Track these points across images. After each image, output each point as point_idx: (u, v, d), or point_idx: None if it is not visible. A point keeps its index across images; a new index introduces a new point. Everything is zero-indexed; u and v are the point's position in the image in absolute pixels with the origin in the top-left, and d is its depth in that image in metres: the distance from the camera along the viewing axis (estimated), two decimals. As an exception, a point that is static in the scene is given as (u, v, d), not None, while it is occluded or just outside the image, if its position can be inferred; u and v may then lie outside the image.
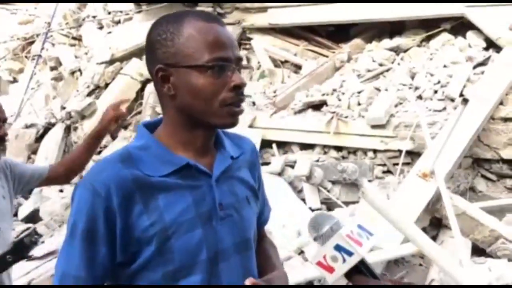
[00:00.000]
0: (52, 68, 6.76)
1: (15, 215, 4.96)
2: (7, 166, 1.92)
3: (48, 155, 5.75)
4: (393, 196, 3.49)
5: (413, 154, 3.98)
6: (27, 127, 6.05)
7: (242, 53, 5.96)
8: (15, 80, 7.21)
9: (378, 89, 4.49)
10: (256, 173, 1.25)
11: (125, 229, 0.99)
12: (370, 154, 4.22)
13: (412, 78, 4.49)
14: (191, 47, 1.02)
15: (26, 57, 7.10)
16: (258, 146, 4.59)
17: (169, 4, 5.99)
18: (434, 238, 3.29)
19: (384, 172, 4.15)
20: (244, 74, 5.62)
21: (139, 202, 1.00)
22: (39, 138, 6.05)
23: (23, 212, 4.90)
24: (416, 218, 3.18)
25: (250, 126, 4.77)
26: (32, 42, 7.20)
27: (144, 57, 1.17)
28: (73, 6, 7.26)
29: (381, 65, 4.86)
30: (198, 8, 6.05)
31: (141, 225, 1.00)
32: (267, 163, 4.46)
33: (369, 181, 3.93)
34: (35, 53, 6.94)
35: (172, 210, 1.02)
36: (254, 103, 5.05)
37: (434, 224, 3.45)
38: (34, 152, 5.98)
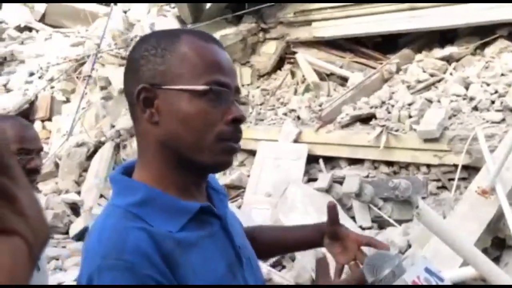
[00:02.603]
0: (102, 88, 6.95)
1: (66, 232, 5.07)
2: None
3: (98, 173, 5.87)
4: (450, 214, 3.28)
5: (470, 169, 3.75)
6: (78, 145, 6.21)
7: (287, 67, 5.90)
8: (67, 100, 7.46)
9: (429, 101, 4.28)
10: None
11: None
12: (423, 169, 4.02)
13: (467, 88, 4.26)
14: (185, 67, 0.84)
15: (77, 77, 7.34)
16: (304, 162, 4.49)
17: (213, 22, 6.03)
18: (497, 260, 3.06)
19: (438, 187, 3.94)
20: (289, 87, 5.55)
21: (175, 266, 0.79)
22: (89, 156, 6.20)
23: (74, 230, 5.01)
24: (477, 238, 2.96)
25: (295, 141, 4.68)
26: (83, 63, 7.45)
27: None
28: (122, 27, 7.46)
29: (432, 75, 4.65)
30: (242, 24, 6.06)
31: None
32: (314, 179, 4.34)
33: (423, 198, 3.73)
34: (85, 74, 7.16)
35: (206, 270, 0.83)
36: (299, 118, 4.96)
37: (497, 244, 3.21)
38: (85, 170, 6.13)
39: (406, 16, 4.93)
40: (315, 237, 1.12)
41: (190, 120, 0.83)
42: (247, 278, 0.91)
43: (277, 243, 1.18)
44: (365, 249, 1.05)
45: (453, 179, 3.76)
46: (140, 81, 0.85)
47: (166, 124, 0.84)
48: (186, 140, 0.84)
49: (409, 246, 3.35)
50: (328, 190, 4.06)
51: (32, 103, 7.44)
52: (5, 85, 8.09)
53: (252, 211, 4.15)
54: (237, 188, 4.67)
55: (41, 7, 9.68)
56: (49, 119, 7.32)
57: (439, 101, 4.23)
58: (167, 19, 6.84)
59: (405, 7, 4.91)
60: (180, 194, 0.86)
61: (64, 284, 3.75)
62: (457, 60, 4.78)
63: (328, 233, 1.08)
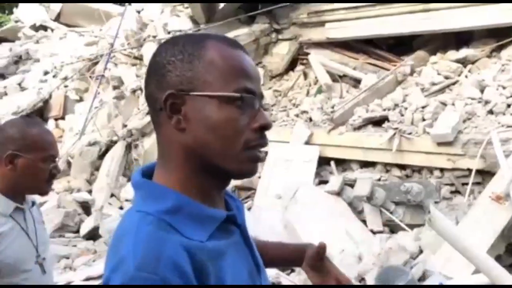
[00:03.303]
0: (115, 87, 6.98)
1: (77, 231, 5.09)
2: (37, 205, 1.86)
3: (110, 172, 5.89)
4: (463, 219, 3.23)
5: (484, 174, 3.69)
6: (90, 144, 6.24)
7: (299, 68, 5.86)
8: (81, 99, 7.50)
9: (444, 104, 4.22)
10: None
11: None
12: (437, 173, 3.96)
13: (482, 91, 4.19)
14: (213, 73, 0.83)
15: (90, 77, 7.38)
16: (315, 164, 4.45)
17: (226, 22, 6.01)
18: (510, 267, 2.99)
19: (452, 192, 3.88)
20: (302, 89, 5.52)
21: (207, 277, 0.79)
22: (101, 155, 6.22)
23: (84, 229, 5.02)
24: (490, 245, 2.91)
25: (307, 143, 4.64)
26: (97, 63, 7.49)
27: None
28: (135, 26, 7.49)
29: (447, 78, 4.58)
30: (256, 25, 6.04)
31: None
32: (325, 182, 4.31)
33: (436, 202, 3.68)
34: (98, 73, 7.20)
35: (234, 280, 0.83)
36: (311, 119, 4.92)
37: (511, 251, 3.15)
38: (97, 168, 6.15)
39: (420, 18, 4.87)
40: (294, 259, 1.19)
41: (219, 127, 0.82)
42: (262, 284, 0.93)
43: None
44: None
45: (466, 184, 3.70)
46: (167, 87, 0.84)
47: (193, 131, 0.83)
48: (214, 148, 0.83)
49: (421, 251, 3.30)
50: (339, 193, 4.02)
51: (46, 102, 7.50)
52: (20, 84, 8.17)
53: (262, 213, 4.13)
54: (247, 190, 4.65)
55: (56, 6, 9.76)
56: (62, 118, 7.38)
57: (453, 104, 4.16)
58: (180, 19, 6.84)
59: (419, 9, 4.85)
60: (203, 201, 0.85)
61: (73, 284, 3.76)
62: (473, 63, 4.70)
63: (310, 261, 1.15)
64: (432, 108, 4.15)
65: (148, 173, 0.89)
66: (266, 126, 0.86)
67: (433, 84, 4.54)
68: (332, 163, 4.55)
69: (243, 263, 0.87)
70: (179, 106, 0.83)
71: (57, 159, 1.74)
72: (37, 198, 1.90)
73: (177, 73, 0.84)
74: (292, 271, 3.58)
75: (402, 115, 4.32)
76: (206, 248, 0.80)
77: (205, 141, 0.83)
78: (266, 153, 4.61)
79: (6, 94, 8.12)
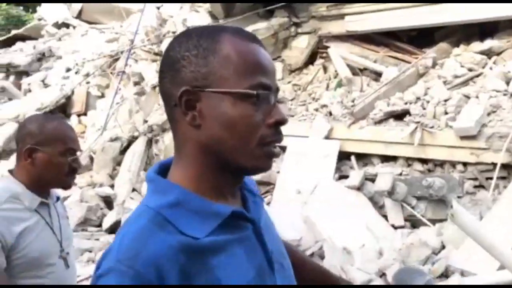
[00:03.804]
0: (135, 83, 7.04)
1: (99, 225, 5.17)
2: (61, 200, 1.89)
3: (131, 167, 5.95)
4: (487, 215, 3.16)
5: (510, 168, 3.61)
6: (112, 140, 6.31)
7: (319, 62, 5.81)
8: (102, 96, 7.60)
9: (467, 97, 4.13)
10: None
11: None
12: (460, 167, 3.88)
13: (507, 83, 4.08)
14: (228, 69, 0.82)
15: (111, 73, 7.46)
16: (335, 158, 4.41)
17: (245, 17, 5.99)
18: (537, 264, 2.91)
19: (475, 186, 3.80)
20: (321, 83, 5.47)
21: (195, 275, 0.78)
22: (123, 151, 6.30)
23: (107, 223, 5.10)
24: (515, 241, 2.83)
25: (327, 137, 4.60)
26: (117, 59, 7.56)
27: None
28: (155, 23, 7.53)
29: (470, 70, 4.48)
30: (274, 18, 6.01)
31: None
32: (345, 177, 4.27)
33: (459, 197, 3.61)
34: (119, 70, 7.27)
35: (231, 276, 0.81)
36: (330, 113, 4.87)
37: (537, 247, 3.06)
38: (119, 163, 6.23)
39: (443, 9, 4.76)
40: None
41: (234, 124, 0.82)
42: (278, 283, 0.89)
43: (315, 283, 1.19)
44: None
45: (491, 178, 3.62)
46: (181, 83, 0.83)
47: (208, 127, 0.83)
48: (229, 144, 0.83)
49: (443, 247, 3.24)
50: (359, 188, 3.98)
51: (68, 98, 7.62)
52: (43, 81, 8.32)
53: (282, 208, 4.11)
54: (267, 185, 4.63)
55: (78, 4, 9.90)
56: (85, 114, 7.48)
57: (477, 97, 4.07)
58: (199, 14, 6.85)
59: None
60: (214, 196, 0.85)
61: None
62: (498, 54, 4.58)
63: None
64: (455, 101, 4.06)
65: (166, 167, 0.90)
66: (282, 122, 0.85)
67: (456, 76, 4.44)
68: (353, 157, 4.51)
69: (251, 259, 0.85)
70: (194, 103, 0.83)
71: (78, 153, 1.75)
72: (60, 192, 1.93)
73: (191, 69, 0.83)
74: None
75: (424, 108, 4.24)
76: (200, 244, 0.79)
77: (220, 137, 0.82)
78: (283, 148, 4.58)
79: (30, 91, 8.28)
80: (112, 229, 5.04)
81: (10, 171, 1.71)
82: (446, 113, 4.05)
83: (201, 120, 0.83)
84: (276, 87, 0.87)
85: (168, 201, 0.82)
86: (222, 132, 0.82)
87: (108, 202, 5.56)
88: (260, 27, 5.78)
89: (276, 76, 0.89)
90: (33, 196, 1.67)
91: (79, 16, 9.95)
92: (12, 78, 8.86)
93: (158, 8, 8.08)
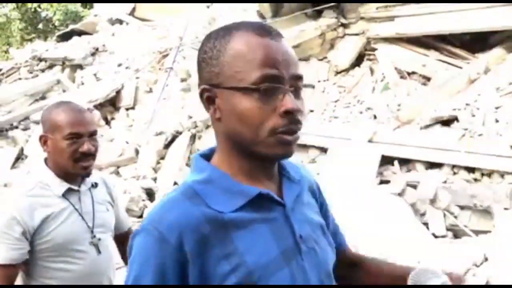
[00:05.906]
0: (182, 80, 7.17)
1: (141, 216, 5.30)
2: (108, 186, 1.89)
3: (174, 161, 6.07)
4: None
5: None
6: (157, 134, 6.46)
7: (366, 64, 5.72)
8: (150, 91, 7.78)
9: (520, 105, 3.95)
10: (319, 200, 1.12)
11: (202, 279, 0.85)
12: (509, 178, 3.71)
13: None
14: (236, 66, 0.89)
15: (160, 69, 7.63)
16: (377, 163, 4.32)
17: (293, 17, 5.98)
18: None
19: (525, 199, 3.62)
20: (367, 85, 5.38)
21: (216, 245, 0.86)
22: (167, 145, 6.43)
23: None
24: None
25: (370, 140, 4.52)
26: (166, 56, 7.73)
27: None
28: (205, 21, 7.64)
29: (525, 77, 4.28)
30: (322, 19, 5.96)
31: (221, 272, 0.86)
32: (387, 181, 4.18)
33: (505, 209, 3.45)
34: (167, 66, 7.43)
35: (254, 251, 0.88)
36: (375, 116, 4.79)
37: None
38: (162, 157, 6.37)
39: (499, 13, 4.57)
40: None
41: (243, 117, 0.89)
42: (305, 267, 0.94)
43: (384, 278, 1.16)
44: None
45: (542, 191, 3.45)
46: (202, 82, 0.94)
47: (226, 121, 0.91)
48: (244, 136, 0.90)
49: (486, 259, 3.11)
50: (400, 194, 3.88)
51: (118, 92, 7.85)
52: (95, 74, 8.62)
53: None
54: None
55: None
56: (133, 108, 7.69)
57: (531, 105, 3.89)
58: (247, 13, 6.90)
59: (497, 3, 4.55)
60: (246, 179, 0.93)
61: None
62: (556, 61, 4.36)
63: None
64: (507, 109, 3.89)
65: (213, 152, 1.00)
66: (291, 111, 0.88)
67: (510, 83, 4.25)
68: (396, 162, 4.40)
69: (276, 239, 0.91)
70: (213, 99, 0.92)
71: (95, 136, 1.71)
72: (108, 179, 1.92)
73: (208, 69, 0.92)
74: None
75: (473, 115, 4.09)
76: (224, 218, 0.88)
77: (235, 129, 0.91)
78: (324, 150, 4.53)
79: (82, 83, 8.59)
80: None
81: (45, 159, 1.75)
82: (496, 121, 3.89)
83: (220, 114, 0.92)
84: (294, 75, 0.90)
85: (201, 178, 0.93)
86: (236, 125, 0.90)
87: (150, 194, 5.69)
88: (307, 27, 5.75)
89: (294, 64, 0.91)
90: (61, 183, 1.69)
91: (132, 13, 10.25)
92: (67, 71, 9.23)
93: (208, 7, 8.20)
